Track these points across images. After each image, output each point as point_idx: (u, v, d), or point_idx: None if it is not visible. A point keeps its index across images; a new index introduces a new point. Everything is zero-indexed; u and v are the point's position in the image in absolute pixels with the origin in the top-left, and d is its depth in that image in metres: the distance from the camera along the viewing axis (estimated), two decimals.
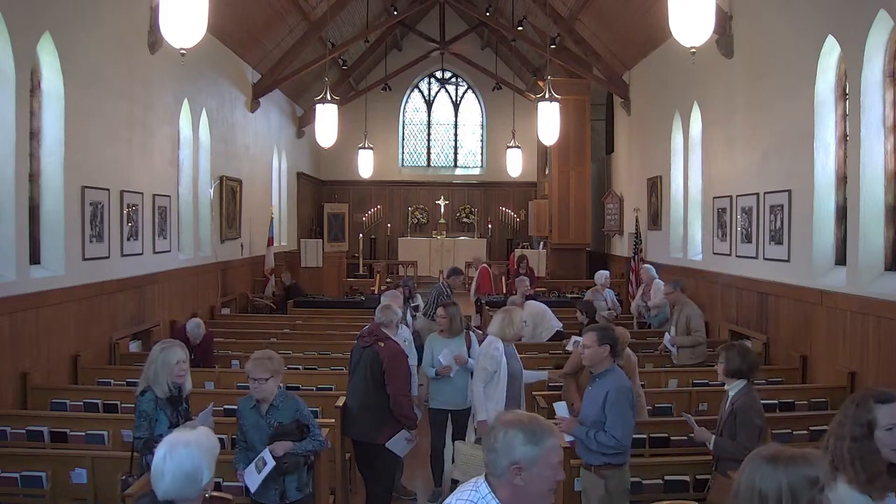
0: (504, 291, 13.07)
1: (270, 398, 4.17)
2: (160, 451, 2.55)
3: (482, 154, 21.87)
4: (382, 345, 5.07)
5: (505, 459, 2.16)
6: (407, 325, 7.17)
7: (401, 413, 4.99)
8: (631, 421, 4.30)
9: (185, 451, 2.51)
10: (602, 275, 9.83)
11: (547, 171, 16.56)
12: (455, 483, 5.78)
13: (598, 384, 4.35)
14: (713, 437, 4.27)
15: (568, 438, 4.43)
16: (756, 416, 4.15)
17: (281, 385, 4.26)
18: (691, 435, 4.47)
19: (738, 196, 8.81)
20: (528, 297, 9.03)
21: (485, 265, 13.03)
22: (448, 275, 9.44)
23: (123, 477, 4.31)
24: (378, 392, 5.00)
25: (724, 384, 4.40)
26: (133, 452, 4.34)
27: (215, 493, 4.09)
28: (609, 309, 9.44)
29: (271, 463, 4.01)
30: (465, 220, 21.13)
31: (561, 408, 4.58)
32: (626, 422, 4.23)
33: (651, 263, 12.28)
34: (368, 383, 5.04)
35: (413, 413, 5.11)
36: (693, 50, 6.00)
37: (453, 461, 5.85)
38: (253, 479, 4.05)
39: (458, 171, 21.90)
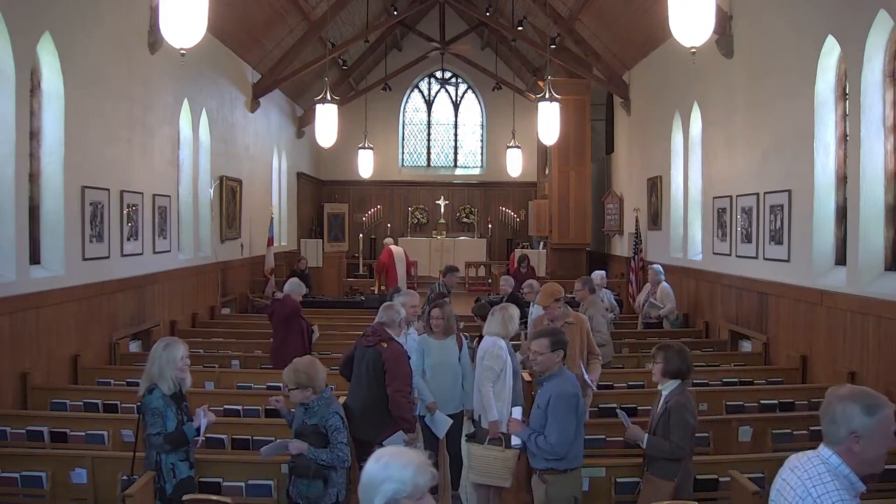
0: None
1: (304, 401, 4.26)
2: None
3: (482, 154, 21.87)
4: (386, 345, 5.07)
5: (843, 429, 2.42)
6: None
7: (399, 414, 4.97)
8: (569, 427, 4.16)
9: (374, 465, 2.33)
10: (598, 275, 9.78)
11: (547, 171, 16.56)
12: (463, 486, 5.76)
13: (545, 388, 4.29)
14: (646, 436, 4.20)
15: (516, 441, 4.44)
16: (690, 415, 4.11)
17: (326, 388, 4.32)
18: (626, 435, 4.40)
19: (738, 196, 8.81)
20: (510, 295, 8.92)
21: (390, 246, 12.00)
22: (444, 273, 9.24)
23: (125, 477, 4.31)
24: (380, 392, 5.00)
25: (657, 384, 4.35)
26: (135, 453, 4.35)
27: (213, 497, 4.13)
28: (607, 309, 9.41)
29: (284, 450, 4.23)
30: (465, 220, 21.13)
31: (517, 411, 4.55)
32: (562, 428, 4.12)
33: (651, 264, 12.28)
34: (371, 383, 5.04)
35: (411, 416, 5.09)
36: (693, 50, 5.99)
37: (450, 464, 5.82)
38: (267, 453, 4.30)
39: (458, 171, 21.89)
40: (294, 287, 7.71)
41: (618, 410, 4.71)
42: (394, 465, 2.29)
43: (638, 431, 4.25)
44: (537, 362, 4.31)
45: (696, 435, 5.48)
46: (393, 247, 11.78)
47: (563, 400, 4.16)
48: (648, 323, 9.82)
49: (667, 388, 4.22)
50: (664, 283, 9.54)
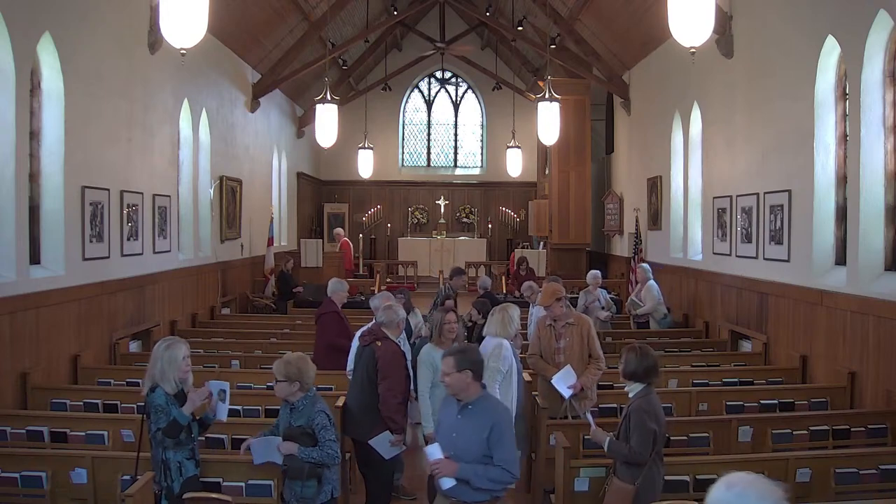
0: (505, 290, 13.06)
1: (289, 398, 4.25)
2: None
3: (482, 154, 21.87)
4: (380, 344, 5.07)
5: None
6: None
7: (387, 414, 4.96)
8: (516, 448, 3.88)
9: (726, 492, 2.18)
10: (594, 275, 9.78)
11: (547, 171, 16.56)
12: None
13: (473, 413, 3.75)
14: (608, 438, 4.16)
15: (447, 484, 3.69)
16: (650, 420, 4.00)
17: (312, 388, 4.30)
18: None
19: (738, 196, 8.81)
20: (485, 294, 8.89)
21: (345, 238, 11.80)
22: (451, 276, 9.04)
23: (128, 477, 4.31)
24: (374, 391, 5.00)
25: (624, 387, 4.28)
26: (139, 452, 4.35)
27: (214, 496, 4.14)
28: (603, 308, 9.42)
29: (275, 457, 4.23)
30: (465, 220, 21.13)
31: (433, 450, 3.76)
32: (514, 449, 3.78)
33: (651, 263, 12.29)
34: (365, 382, 5.04)
35: (401, 417, 5.06)
36: (693, 50, 5.99)
37: None
38: (257, 452, 4.29)
39: (458, 171, 21.89)
40: (334, 287, 7.11)
41: (588, 413, 4.69)
42: (750, 494, 2.16)
43: (600, 433, 4.23)
44: (445, 384, 3.80)
45: (695, 435, 5.52)
46: (345, 238, 11.75)
47: (509, 424, 3.86)
48: (640, 322, 9.83)
49: (632, 390, 4.16)
50: (651, 282, 9.56)
